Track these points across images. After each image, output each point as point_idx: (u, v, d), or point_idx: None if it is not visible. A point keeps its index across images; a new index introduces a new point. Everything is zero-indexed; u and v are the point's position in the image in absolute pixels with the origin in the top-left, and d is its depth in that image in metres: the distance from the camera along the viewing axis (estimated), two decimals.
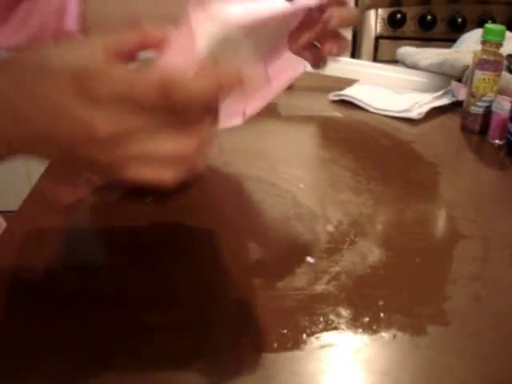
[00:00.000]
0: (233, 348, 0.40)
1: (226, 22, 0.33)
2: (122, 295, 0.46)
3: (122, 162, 0.33)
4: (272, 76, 0.49)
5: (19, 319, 0.43)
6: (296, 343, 0.41)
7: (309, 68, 0.56)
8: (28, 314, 0.43)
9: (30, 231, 0.53)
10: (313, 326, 0.42)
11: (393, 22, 1.73)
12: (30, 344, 0.40)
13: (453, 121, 0.87)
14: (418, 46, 1.05)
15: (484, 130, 0.81)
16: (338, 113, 0.90)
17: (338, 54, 0.56)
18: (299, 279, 0.48)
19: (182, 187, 0.63)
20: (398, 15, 1.72)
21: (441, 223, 0.60)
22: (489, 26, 0.79)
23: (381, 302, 0.45)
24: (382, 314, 0.44)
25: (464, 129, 0.84)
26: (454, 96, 0.93)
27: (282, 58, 0.50)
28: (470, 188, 0.67)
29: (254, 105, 0.51)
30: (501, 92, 0.82)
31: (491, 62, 0.79)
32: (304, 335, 0.42)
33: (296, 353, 0.40)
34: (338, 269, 0.49)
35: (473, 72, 0.81)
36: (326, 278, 0.48)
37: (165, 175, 0.33)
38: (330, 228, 0.56)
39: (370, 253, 0.52)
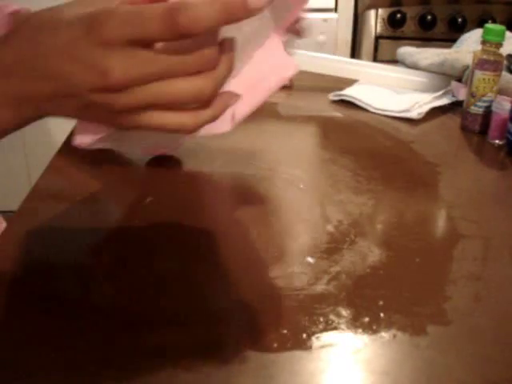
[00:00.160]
0: (233, 348, 0.40)
1: None
2: (122, 295, 0.46)
3: (139, 108, 0.33)
4: (262, 77, 0.48)
5: (19, 319, 0.43)
6: (296, 343, 0.41)
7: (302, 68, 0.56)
8: (28, 313, 0.43)
9: (30, 231, 0.53)
10: (313, 326, 0.42)
11: (393, 21, 1.73)
12: (30, 344, 0.40)
13: (453, 121, 0.87)
14: (418, 45, 1.05)
15: (484, 130, 0.81)
16: (338, 113, 0.90)
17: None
18: (299, 279, 0.48)
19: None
20: (398, 15, 1.72)
21: (441, 223, 0.60)
22: (489, 26, 0.79)
23: (381, 302, 0.45)
24: (382, 314, 0.44)
25: (464, 129, 0.84)
26: (454, 96, 0.93)
27: (271, 60, 0.49)
28: (470, 188, 0.67)
29: (243, 109, 0.50)
30: (501, 92, 0.82)
31: (491, 61, 0.79)
32: (304, 335, 0.42)
33: (296, 353, 0.40)
34: (337, 269, 0.49)
35: (473, 72, 0.81)
36: (326, 278, 0.48)
37: (183, 119, 0.34)
38: (330, 228, 0.56)
39: (370, 253, 0.52)
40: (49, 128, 1.83)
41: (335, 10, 1.77)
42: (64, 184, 0.64)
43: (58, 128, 1.61)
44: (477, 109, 0.81)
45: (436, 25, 1.72)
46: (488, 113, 0.80)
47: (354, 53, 1.81)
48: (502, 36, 0.78)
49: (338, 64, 0.99)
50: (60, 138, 0.75)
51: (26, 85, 0.34)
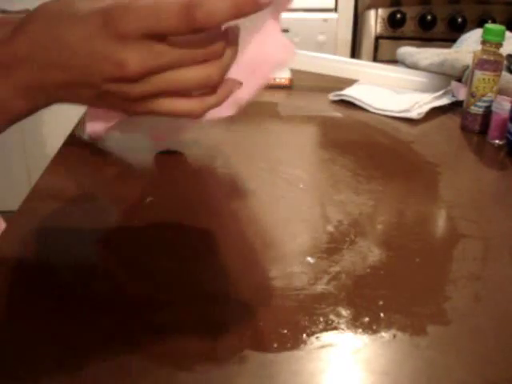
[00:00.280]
0: (233, 348, 0.40)
1: None
2: (122, 294, 0.46)
3: (152, 95, 0.35)
4: (261, 61, 0.49)
5: (19, 318, 0.43)
6: (296, 343, 0.41)
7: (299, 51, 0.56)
8: (28, 313, 0.43)
9: (30, 231, 0.53)
10: (313, 326, 0.42)
11: (393, 21, 1.73)
12: (30, 343, 0.40)
13: (453, 121, 0.87)
14: (418, 46, 1.05)
15: (484, 130, 0.81)
16: (338, 113, 0.90)
17: None
18: (299, 279, 0.48)
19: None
20: (398, 15, 1.72)
21: (441, 223, 0.60)
22: (489, 26, 0.79)
23: (381, 302, 0.45)
24: (381, 314, 0.44)
25: (464, 129, 0.84)
26: (454, 96, 0.93)
27: (269, 44, 0.49)
28: (470, 188, 0.67)
29: (245, 94, 0.50)
30: (501, 92, 0.82)
31: (491, 61, 0.79)
32: (304, 335, 0.42)
33: (296, 353, 0.40)
34: (337, 269, 0.49)
35: (473, 72, 0.81)
36: (326, 278, 0.48)
37: (191, 104, 0.37)
38: (330, 228, 0.56)
39: (370, 253, 0.52)
40: (49, 128, 1.83)
41: (335, 9, 1.77)
42: (64, 184, 0.64)
43: (58, 128, 1.61)
44: (477, 109, 0.81)
45: (436, 25, 1.72)
46: (488, 113, 0.80)
47: (354, 53, 1.81)
48: (502, 36, 0.78)
49: (338, 64, 0.99)
50: (60, 139, 0.75)
51: (41, 74, 0.35)
